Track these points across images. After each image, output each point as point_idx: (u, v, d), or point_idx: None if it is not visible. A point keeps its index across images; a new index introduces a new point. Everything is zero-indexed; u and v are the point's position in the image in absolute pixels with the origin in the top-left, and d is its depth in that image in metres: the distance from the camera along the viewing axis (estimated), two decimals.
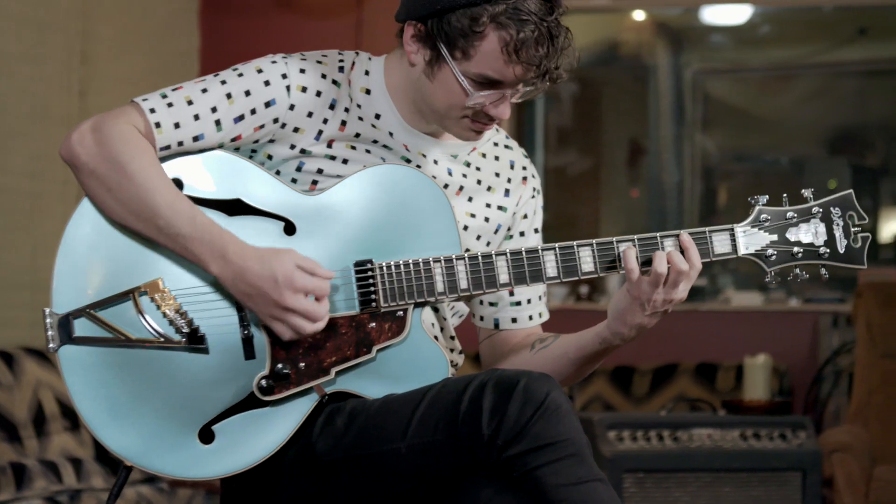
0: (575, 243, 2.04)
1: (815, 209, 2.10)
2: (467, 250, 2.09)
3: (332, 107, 2.09)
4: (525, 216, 2.25)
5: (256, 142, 2.07)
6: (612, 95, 7.34)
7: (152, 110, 2.00)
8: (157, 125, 1.99)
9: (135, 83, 6.91)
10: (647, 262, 2.03)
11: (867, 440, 4.63)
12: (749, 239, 2.08)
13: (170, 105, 2.01)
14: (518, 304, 2.23)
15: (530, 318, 2.24)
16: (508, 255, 2.03)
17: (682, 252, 2.03)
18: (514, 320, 2.23)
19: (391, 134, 2.12)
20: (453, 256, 2.02)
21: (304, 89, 2.07)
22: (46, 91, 6.35)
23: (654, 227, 6.87)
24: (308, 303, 1.94)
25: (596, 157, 7.26)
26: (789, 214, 2.10)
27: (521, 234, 2.24)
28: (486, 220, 2.18)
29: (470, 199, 2.17)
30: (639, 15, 6.57)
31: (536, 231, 2.26)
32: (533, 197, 2.26)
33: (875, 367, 4.86)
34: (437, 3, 2.00)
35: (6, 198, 5.99)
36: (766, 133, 7.11)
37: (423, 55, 2.05)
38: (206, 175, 2.02)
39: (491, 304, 2.23)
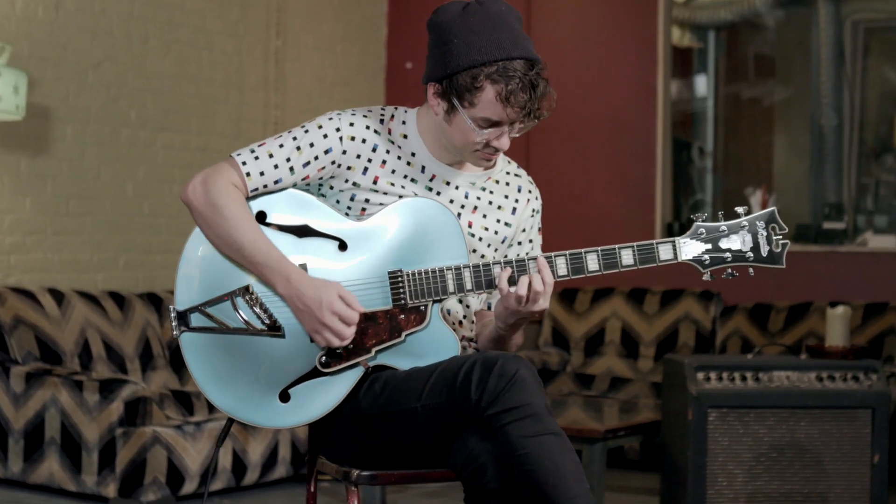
0: (553, 254, 2.71)
1: (744, 223, 2.71)
2: (474, 251, 2.79)
3: (374, 150, 2.78)
4: (524, 230, 2.92)
5: (321, 179, 2.78)
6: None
7: (244, 163, 2.72)
8: (248, 174, 2.72)
9: (324, 50, 7.62)
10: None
11: None
12: (688, 248, 2.71)
13: (256, 158, 2.73)
14: None
15: None
16: (502, 263, 2.71)
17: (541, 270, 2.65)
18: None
19: (423, 168, 2.80)
20: (461, 265, 2.71)
21: (352, 138, 2.77)
22: (245, 61, 7.15)
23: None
24: (339, 325, 2.64)
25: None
26: (722, 228, 2.71)
27: (519, 243, 2.91)
28: (496, 232, 2.86)
29: (484, 216, 2.85)
30: None
31: (531, 241, 2.93)
32: (532, 216, 2.92)
33: None
34: (447, 67, 2.68)
35: (210, 156, 6.84)
36: None
37: (442, 107, 2.73)
38: (284, 208, 2.75)
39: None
